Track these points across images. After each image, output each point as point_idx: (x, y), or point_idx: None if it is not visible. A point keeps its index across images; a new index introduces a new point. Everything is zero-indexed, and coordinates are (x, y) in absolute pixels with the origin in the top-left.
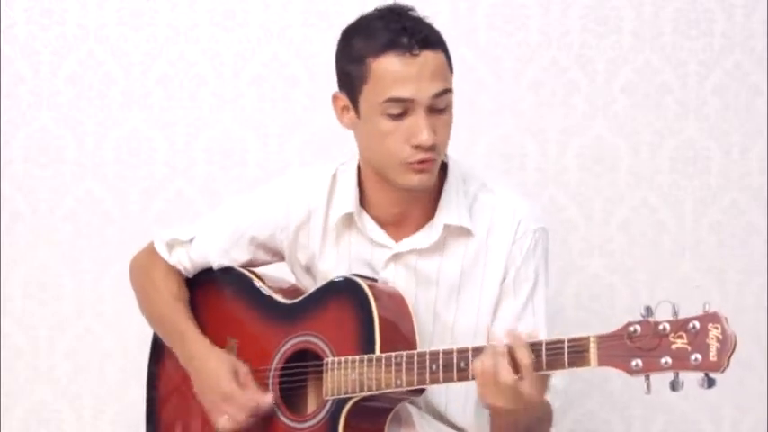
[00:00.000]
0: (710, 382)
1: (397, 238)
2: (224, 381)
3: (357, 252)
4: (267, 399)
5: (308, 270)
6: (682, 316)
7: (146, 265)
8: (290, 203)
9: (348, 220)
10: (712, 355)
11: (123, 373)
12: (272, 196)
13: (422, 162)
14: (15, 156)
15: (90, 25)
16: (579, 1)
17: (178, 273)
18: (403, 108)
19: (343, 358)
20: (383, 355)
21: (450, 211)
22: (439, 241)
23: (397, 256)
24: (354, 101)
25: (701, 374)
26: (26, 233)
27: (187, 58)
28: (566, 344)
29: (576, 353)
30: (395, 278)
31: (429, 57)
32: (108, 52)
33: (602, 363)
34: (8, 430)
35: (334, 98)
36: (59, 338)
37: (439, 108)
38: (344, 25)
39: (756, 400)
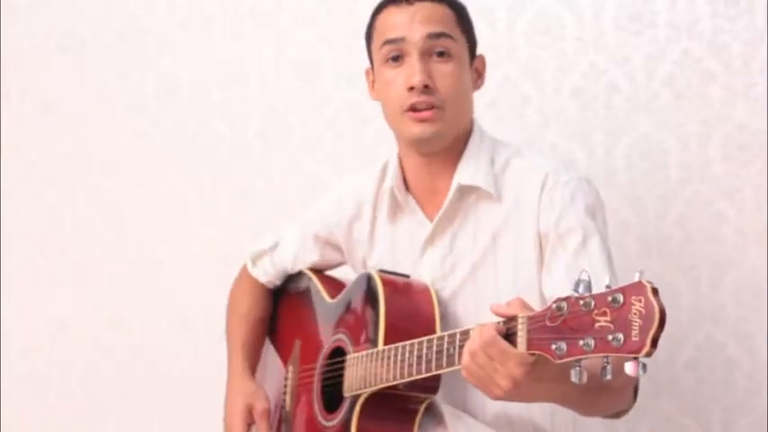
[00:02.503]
0: (643, 368)
1: (432, 218)
2: (235, 417)
3: (402, 237)
4: None
5: (366, 266)
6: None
7: (234, 283)
8: (342, 200)
9: (394, 205)
10: (634, 335)
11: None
12: (330, 195)
13: (419, 111)
14: None
15: None
16: (611, 1)
17: (256, 288)
18: (398, 50)
19: (356, 354)
20: (382, 348)
21: (466, 172)
22: (466, 211)
23: (431, 239)
24: (372, 65)
25: (630, 359)
26: None
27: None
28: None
29: (506, 336)
30: (432, 260)
31: (425, 5)
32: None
33: (531, 347)
34: (8, 430)
35: (366, 73)
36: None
37: (437, 54)
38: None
39: (746, 402)
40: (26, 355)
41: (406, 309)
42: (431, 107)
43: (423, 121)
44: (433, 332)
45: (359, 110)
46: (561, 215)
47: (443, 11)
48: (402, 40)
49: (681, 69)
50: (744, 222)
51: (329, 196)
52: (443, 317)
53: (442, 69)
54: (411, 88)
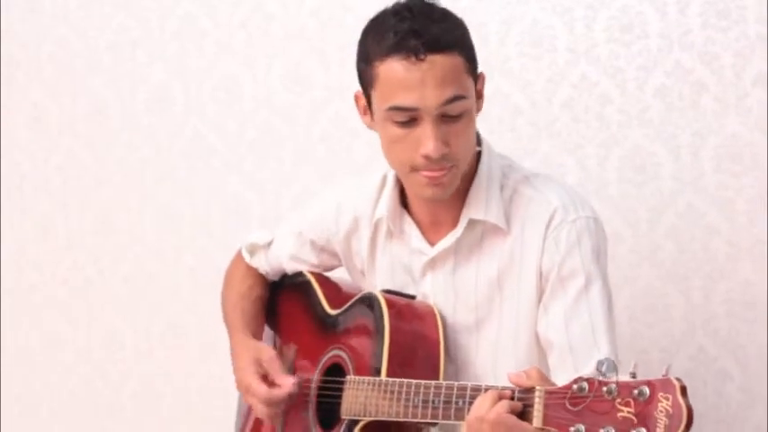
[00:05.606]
0: None
1: (433, 243)
2: (246, 373)
3: (399, 259)
4: (282, 389)
5: (365, 276)
6: (641, 376)
7: (228, 269)
8: (340, 210)
9: (390, 229)
10: None
11: None
12: (327, 201)
13: (434, 177)
14: None
15: None
16: (603, 12)
17: (257, 274)
18: (409, 116)
19: (357, 378)
20: (386, 380)
21: (476, 206)
22: (471, 242)
23: (432, 263)
24: (369, 102)
25: None
26: None
27: None
28: (516, 395)
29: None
30: (433, 288)
31: (437, 61)
32: None
33: (547, 423)
34: (8, 430)
35: (356, 97)
36: None
37: (451, 116)
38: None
39: (739, 414)
40: (19, 368)
41: (410, 336)
42: (444, 170)
43: (437, 183)
44: (438, 360)
45: (351, 123)
46: (565, 256)
47: (455, 63)
48: (415, 109)
49: (673, 80)
50: (736, 234)
51: (326, 202)
52: (447, 348)
53: (455, 129)
54: (425, 157)
